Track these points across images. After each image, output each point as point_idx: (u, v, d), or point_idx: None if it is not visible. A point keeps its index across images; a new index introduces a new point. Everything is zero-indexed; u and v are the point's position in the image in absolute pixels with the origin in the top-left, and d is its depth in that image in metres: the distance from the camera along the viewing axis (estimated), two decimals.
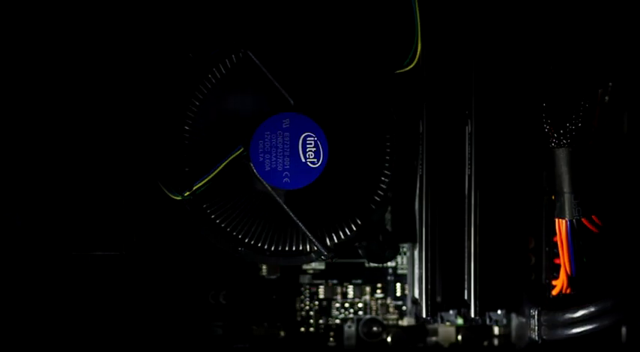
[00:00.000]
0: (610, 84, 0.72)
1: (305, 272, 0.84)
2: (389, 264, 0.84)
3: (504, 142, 0.76)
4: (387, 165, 0.72)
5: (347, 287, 0.84)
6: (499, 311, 0.81)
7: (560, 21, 0.75)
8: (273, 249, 0.73)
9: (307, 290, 0.84)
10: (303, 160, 0.70)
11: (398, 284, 0.84)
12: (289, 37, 0.72)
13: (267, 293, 0.83)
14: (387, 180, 0.72)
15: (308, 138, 0.70)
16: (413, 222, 0.78)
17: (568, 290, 0.72)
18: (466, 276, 0.76)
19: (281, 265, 0.82)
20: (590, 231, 0.70)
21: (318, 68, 0.71)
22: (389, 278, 0.84)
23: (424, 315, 0.77)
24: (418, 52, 0.72)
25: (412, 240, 0.78)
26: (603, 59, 0.74)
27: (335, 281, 0.84)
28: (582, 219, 0.70)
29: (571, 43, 0.74)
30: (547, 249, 0.77)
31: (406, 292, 0.83)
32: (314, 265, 0.84)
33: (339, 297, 0.84)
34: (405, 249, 0.83)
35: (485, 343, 0.83)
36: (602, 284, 0.71)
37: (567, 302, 0.70)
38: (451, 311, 0.81)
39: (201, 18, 0.76)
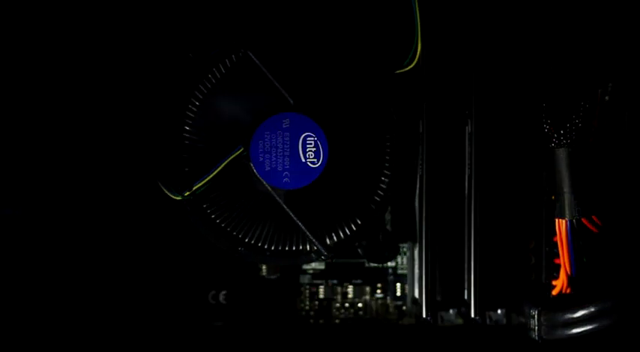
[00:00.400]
0: (610, 84, 0.72)
1: (305, 272, 0.84)
2: (389, 263, 0.84)
3: (504, 142, 0.76)
4: (387, 165, 0.72)
5: (347, 287, 0.84)
6: (499, 311, 0.81)
7: (561, 21, 0.75)
8: (273, 248, 0.73)
9: (307, 290, 0.84)
10: (303, 160, 0.70)
11: (398, 284, 0.84)
12: (289, 37, 0.72)
13: (267, 293, 0.83)
14: (387, 180, 0.72)
15: (308, 138, 0.70)
16: (413, 222, 0.78)
17: (568, 290, 0.72)
18: (466, 276, 0.76)
19: (281, 265, 0.82)
20: (590, 231, 0.70)
21: (318, 68, 0.71)
22: (389, 278, 0.84)
23: (424, 315, 0.77)
24: (418, 52, 0.72)
25: (412, 239, 0.78)
26: (603, 59, 0.74)
27: (335, 281, 0.84)
28: (582, 219, 0.70)
29: (571, 43, 0.74)
30: (547, 249, 0.77)
31: (406, 292, 0.83)
32: (314, 265, 0.84)
33: (339, 297, 0.84)
34: (405, 249, 0.83)
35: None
36: (602, 284, 0.71)
37: (567, 302, 0.70)
38: (451, 311, 0.81)
39: (202, 18, 0.76)
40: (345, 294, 0.84)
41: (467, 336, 0.82)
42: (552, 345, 0.73)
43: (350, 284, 0.84)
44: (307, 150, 0.70)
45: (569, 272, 0.71)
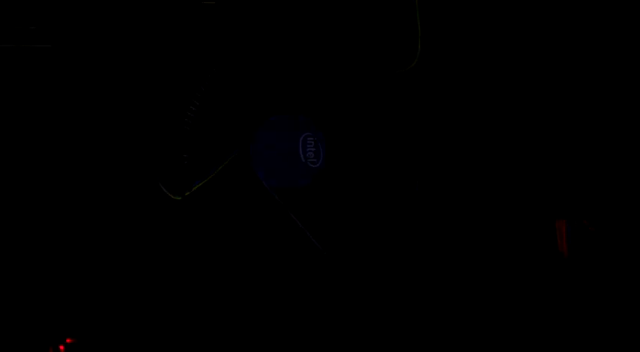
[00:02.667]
0: (603, 85, 0.72)
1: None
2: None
3: (503, 142, 0.76)
4: (386, 164, 0.72)
5: None
6: None
7: (560, 21, 0.75)
8: (272, 247, 0.73)
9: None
10: (303, 160, 0.70)
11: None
12: (289, 38, 0.72)
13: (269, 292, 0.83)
14: (386, 179, 0.72)
15: (308, 138, 0.70)
16: (413, 222, 0.78)
17: (567, 289, 0.72)
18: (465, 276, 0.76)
19: (281, 263, 0.82)
20: (590, 231, 0.70)
21: (318, 68, 0.71)
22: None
23: None
24: (418, 52, 0.72)
25: (411, 239, 0.78)
26: (603, 59, 0.74)
27: None
28: (582, 219, 0.70)
29: (570, 43, 0.74)
30: (547, 247, 0.77)
31: None
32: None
33: None
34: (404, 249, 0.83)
35: None
36: (602, 284, 0.71)
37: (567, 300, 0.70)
38: None
39: (203, 18, 0.76)
40: None
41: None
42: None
43: None
44: (307, 150, 0.70)
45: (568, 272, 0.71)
